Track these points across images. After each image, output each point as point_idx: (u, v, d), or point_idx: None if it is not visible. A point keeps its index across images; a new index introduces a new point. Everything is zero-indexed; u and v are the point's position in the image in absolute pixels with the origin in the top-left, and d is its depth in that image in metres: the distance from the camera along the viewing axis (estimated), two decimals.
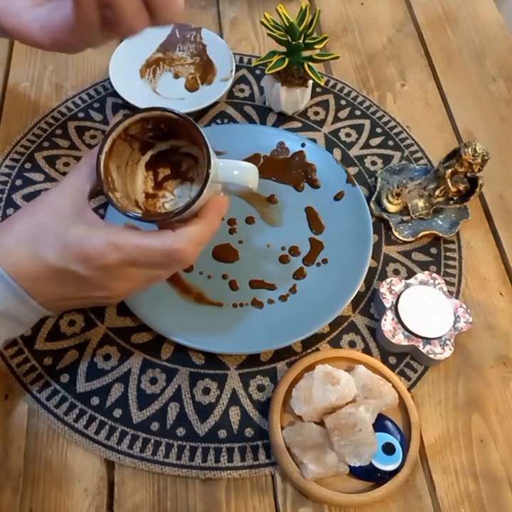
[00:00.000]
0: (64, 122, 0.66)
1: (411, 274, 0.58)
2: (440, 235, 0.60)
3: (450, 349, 0.51)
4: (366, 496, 0.46)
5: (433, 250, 0.60)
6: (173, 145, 0.46)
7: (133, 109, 0.42)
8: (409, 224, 0.61)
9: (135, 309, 0.52)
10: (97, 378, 0.51)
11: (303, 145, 0.64)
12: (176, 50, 0.72)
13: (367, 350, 0.54)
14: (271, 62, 0.60)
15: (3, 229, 0.40)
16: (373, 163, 0.66)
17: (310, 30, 0.60)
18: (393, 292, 0.54)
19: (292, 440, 0.47)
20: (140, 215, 0.41)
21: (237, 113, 0.68)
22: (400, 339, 0.52)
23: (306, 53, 0.61)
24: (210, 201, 0.43)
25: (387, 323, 0.52)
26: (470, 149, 0.56)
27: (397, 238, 0.60)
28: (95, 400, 0.50)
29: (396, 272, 0.59)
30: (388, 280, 0.55)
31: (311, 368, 0.50)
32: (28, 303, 0.40)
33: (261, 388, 0.52)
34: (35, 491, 0.47)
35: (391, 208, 0.61)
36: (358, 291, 0.54)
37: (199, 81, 0.70)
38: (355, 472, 0.46)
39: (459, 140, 0.69)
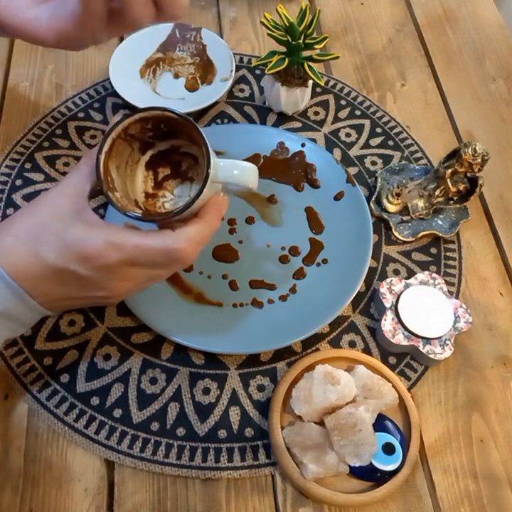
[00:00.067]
0: (64, 122, 0.66)
1: (411, 274, 0.58)
2: (440, 235, 0.60)
3: (450, 349, 0.51)
4: (366, 496, 0.46)
5: (433, 250, 0.60)
6: (173, 145, 0.46)
7: (133, 109, 0.42)
8: (409, 224, 0.61)
9: (135, 309, 0.52)
10: (97, 378, 0.51)
11: (303, 145, 0.64)
12: (176, 50, 0.72)
13: (367, 350, 0.54)
14: (271, 62, 0.60)
15: (3, 229, 0.40)
16: (373, 163, 0.66)
17: (310, 30, 0.60)
18: (393, 292, 0.54)
19: (292, 440, 0.47)
20: (140, 215, 0.41)
21: (237, 113, 0.68)
22: (400, 339, 0.52)
23: (306, 53, 0.61)
24: (210, 201, 0.43)
25: (387, 323, 0.52)
26: (470, 149, 0.56)
27: (397, 238, 0.60)
28: (95, 400, 0.50)
29: (396, 272, 0.59)
30: (388, 280, 0.55)
31: (311, 368, 0.50)
32: (28, 303, 0.40)
33: (261, 388, 0.52)
34: (35, 491, 0.47)
35: (391, 208, 0.61)
36: (358, 291, 0.54)
37: (199, 81, 0.70)
38: (355, 472, 0.46)
39: (459, 140, 0.69)
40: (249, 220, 0.60)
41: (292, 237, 0.59)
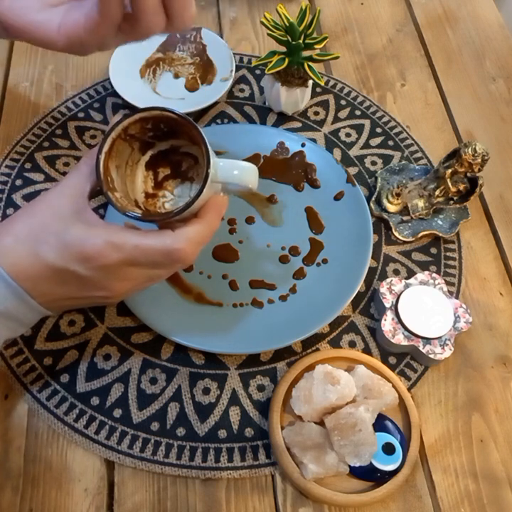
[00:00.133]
0: (64, 122, 0.66)
1: (411, 274, 0.58)
2: (440, 235, 0.60)
3: (450, 349, 0.51)
4: (366, 496, 0.46)
5: (433, 250, 0.60)
6: (173, 145, 0.46)
7: (133, 109, 0.42)
8: (409, 224, 0.61)
9: (135, 309, 0.52)
10: (97, 378, 0.51)
11: (303, 145, 0.64)
12: (176, 50, 0.72)
13: (367, 350, 0.54)
14: (271, 62, 0.60)
15: (3, 229, 0.40)
16: (373, 163, 0.66)
17: (310, 30, 0.60)
18: (393, 292, 0.54)
19: (292, 440, 0.47)
20: (139, 215, 0.41)
21: (237, 113, 0.68)
22: (400, 339, 0.52)
23: (306, 53, 0.61)
24: (209, 201, 0.43)
25: (387, 323, 0.52)
26: (470, 149, 0.56)
27: (397, 238, 0.60)
28: (95, 400, 0.50)
29: (396, 272, 0.59)
30: (388, 280, 0.55)
31: (311, 368, 0.50)
32: (28, 303, 0.40)
33: (261, 388, 0.52)
34: (35, 491, 0.47)
35: (391, 208, 0.61)
36: (358, 291, 0.54)
37: (199, 81, 0.70)
38: (355, 472, 0.46)
39: (459, 140, 0.69)
40: (249, 220, 0.60)
41: (292, 237, 0.59)
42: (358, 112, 0.70)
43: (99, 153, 0.41)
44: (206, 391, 0.51)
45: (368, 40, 0.77)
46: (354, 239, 0.57)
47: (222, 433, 0.49)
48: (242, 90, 0.70)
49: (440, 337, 0.52)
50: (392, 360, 0.54)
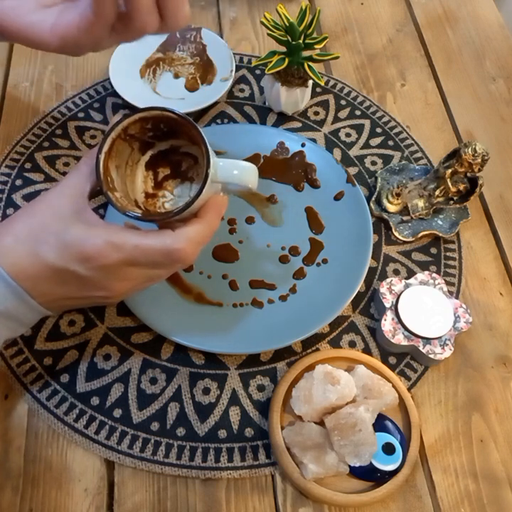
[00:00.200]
0: (64, 122, 0.66)
1: (411, 274, 0.58)
2: (440, 235, 0.60)
3: (450, 349, 0.51)
4: (366, 496, 0.46)
5: (433, 250, 0.60)
6: (172, 145, 0.46)
7: (133, 109, 0.42)
8: (409, 224, 0.61)
9: (135, 309, 0.52)
10: (97, 378, 0.51)
11: (303, 145, 0.64)
12: (176, 50, 0.72)
13: (367, 350, 0.54)
14: (271, 62, 0.60)
15: (3, 229, 0.40)
16: (373, 163, 0.66)
17: (310, 30, 0.60)
18: (393, 292, 0.54)
19: (292, 440, 0.47)
20: (139, 215, 0.41)
21: (237, 113, 0.68)
22: (400, 339, 0.52)
23: (306, 53, 0.61)
24: (209, 201, 0.43)
25: (387, 323, 0.52)
26: (470, 149, 0.56)
27: (397, 238, 0.60)
28: (95, 400, 0.50)
29: (396, 272, 0.59)
30: (388, 280, 0.54)
31: (311, 368, 0.50)
32: (28, 303, 0.40)
33: (261, 388, 0.52)
34: (35, 491, 0.47)
35: (391, 208, 0.61)
36: (358, 291, 0.54)
37: (199, 81, 0.70)
38: (355, 472, 0.46)
39: (459, 140, 0.69)
40: (249, 220, 0.60)
41: (292, 237, 0.59)
42: (358, 112, 0.70)
43: (99, 153, 0.41)
44: (206, 391, 0.51)
45: (368, 40, 0.77)
46: (354, 239, 0.57)
47: (222, 433, 0.49)
48: (242, 90, 0.70)
49: (440, 337, 0.52)
50: (392, 360, 0.54)
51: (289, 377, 0.50)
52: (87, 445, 0.48)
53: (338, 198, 0.61)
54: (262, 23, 0.60)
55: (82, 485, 0.47)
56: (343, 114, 0.69)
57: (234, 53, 0.71)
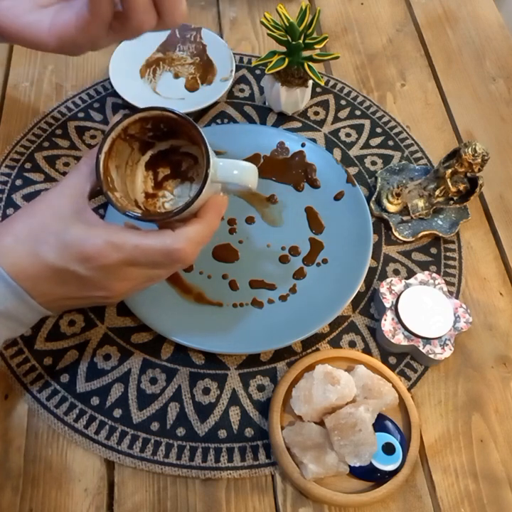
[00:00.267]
0: (64, 122, 0.66)
1: (411, 274, 0.58)
2: (440, 235, 0.60)
3: (450, 349, 0.51)
4: (366, 496, 0.46)
5: (433, 250, 0.60)
6: (172, 145, 0.46)
7: (133, 109, 0.42)
8: (409, 224, 0.61)
9: (135, 309, 0.52)
10: (97, 378, 0.51)
11: (303, 145, 0.64)
12: (176, 50, 0.72)
13: (367, 350, 0.54)
14: (271, 62, 0.60)
15: (3, 229, 0.40)
16: (373, 163, 0.66)
17: (310, 30, 0.60)
18: (393, 292, 0.54)
19: (292, 440, 0.47)
20: (139, 215, 0.41)
21: (237, 113, 0.68)
22: (400, 339, 0.52)
23: (306, 53, 0.61)
24: (209, 201, 0.43)
25: (387, 323, 0.52)
26: (470, 149, 0.56)
27: (397, 238, 0.60)
28: (95, 400, 0.50)
29: (396, 272, 0.59)
30: (388, 280, 0.54)
31: (311, 368, 0.50)
32: (28, 303, 0.40)
33: (261, 388, 0.52)
34: (35, 491, 0.47)
35: (391, 208, 0.61)
36: (358, 291, 0.54)
37: (199, 81, 0.70)
38: (355, 472, 0.46)
39: (459, 140, 0.69)
40: (249, 220, 0.60)
41: (292, 237, 0.59)
42: (358, 112, 0.70)
43: (99, 153, 0.41)
44: (206, 391, 0.51)
45: (368, 40, 0.77)
46: (354, 239, 0.57)
47: (222, 433, 0.49)
48: (242, 90, 0.70)
49: (440, 337, 0.52)
50: (392, 360, 0.54)
51: (289, 377, 0.50)
52: (87, 445, 0.48)
53: (338, 198, 0.61)
54: (262, 23, 0.60)
55: (82, 485, 0.47)
56: (343, 114, 0.69)
57: (234, 53, 0.71)
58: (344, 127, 0.68)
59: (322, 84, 0.61)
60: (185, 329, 0.52)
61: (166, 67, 0.71)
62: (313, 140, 0.66)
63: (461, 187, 0.59)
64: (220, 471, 0.48)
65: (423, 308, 0.52)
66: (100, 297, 0.43)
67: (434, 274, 0.55)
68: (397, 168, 0.64)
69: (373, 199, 0.62)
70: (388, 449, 0.47)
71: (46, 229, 0.40)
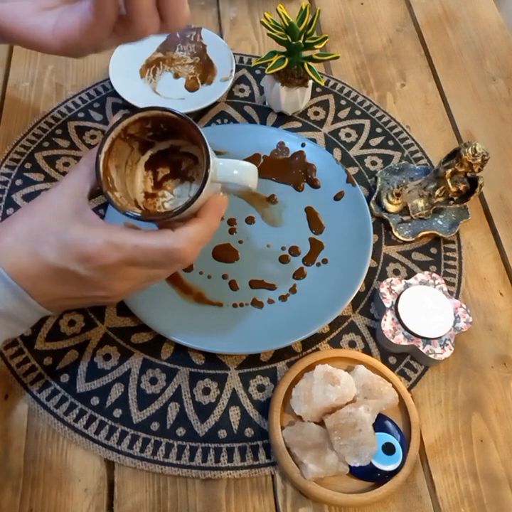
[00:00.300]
0: (64, 122, 0.66)
1: (411, 274, 0.58)
2: (440, 235, 0.60)
3: (450, 349, 0.51)
4: (366, 496, 0.46)
5: (433, 250, 0.60)
6: (172, 144, 0.46)
7: (133, 109, 0.42)
8: (409, 224, 0.61)
9: (135, 309, 0.52)
10: (97, 378, 0.51)
11: (303, 145, 0.64)
12: (176, 50, 0.72)
13: (367, 350, 0.54)
14: (271, 62, 0.60)
15: (3, 229, 0.40)
16: (373, 163, 0.66)
17: (310, 30, 0.60)
18: (393, 292, 0.54)
19: (292, 440, 0.47)
20: (139, 215, 0.41)
21: (237, 113, 0.68)
22: (400, 339, 0.52)
23: (306, 53, 0.61)
24: (209, 201, 0.43)
25: (387, 323, 0.52)
26: (470, 149, 0.56)
27: (397, 238, 0.60)
28: (95, 400, 0.50)
29: (396, 272, 0.59)
30: (388, 280, 0.54)
31: (311, 368, 0.50)
32: (28, 303, 0.40)
33: (261, 388, 0.52)
34: (35, 491, 0.47)
35: (391, 208, 0.61)
36: (358, 291, 0.54)
37: (199, 81, 0.70)
38: (355, 472, 0.46)
39: (459, 140, 0.69)
40: (249, 220, 0.60)
41: (292, 237, 0.59)
42: (358, 112, 0.70)
43: (99, 153, 0.41)
44: (206, 391, 0.51)
45: (368, 40, 0.77)
46: (354, 239, 0.57)
47: (222, 433, 0.49)
48: (242, 90, 0.70)
49: (440, 337, 0.52)
50: (392, 360, 0.54)
51: (289, 377, 0.50)
52: (87, 445, 0.48)
53: (338, 198, 0.61)
54: (262, 23, 0.60)
55: (82, 485, 0.47)
56: (343, 114, 0.69)
57: (234, 53, 0.71)
58: (344, 127, 0.68)
59: (322, 84, 0.61)
60: (185, 329, 0.52)
61: (166, 67, 0.71)
62: (313, 140, 0.66)
63: (461, 187, 0.59)
64: (220, 471, 0.48)
65: (423, 308, 0.52)
66: (100, 297, 0.43)
67: (434, 274, 0.55)
68: (397, 168, 0.64)
69: (373, 199, 0.62)
70: (388, 449, 0.47)
71: (46, 229, 0.40)
